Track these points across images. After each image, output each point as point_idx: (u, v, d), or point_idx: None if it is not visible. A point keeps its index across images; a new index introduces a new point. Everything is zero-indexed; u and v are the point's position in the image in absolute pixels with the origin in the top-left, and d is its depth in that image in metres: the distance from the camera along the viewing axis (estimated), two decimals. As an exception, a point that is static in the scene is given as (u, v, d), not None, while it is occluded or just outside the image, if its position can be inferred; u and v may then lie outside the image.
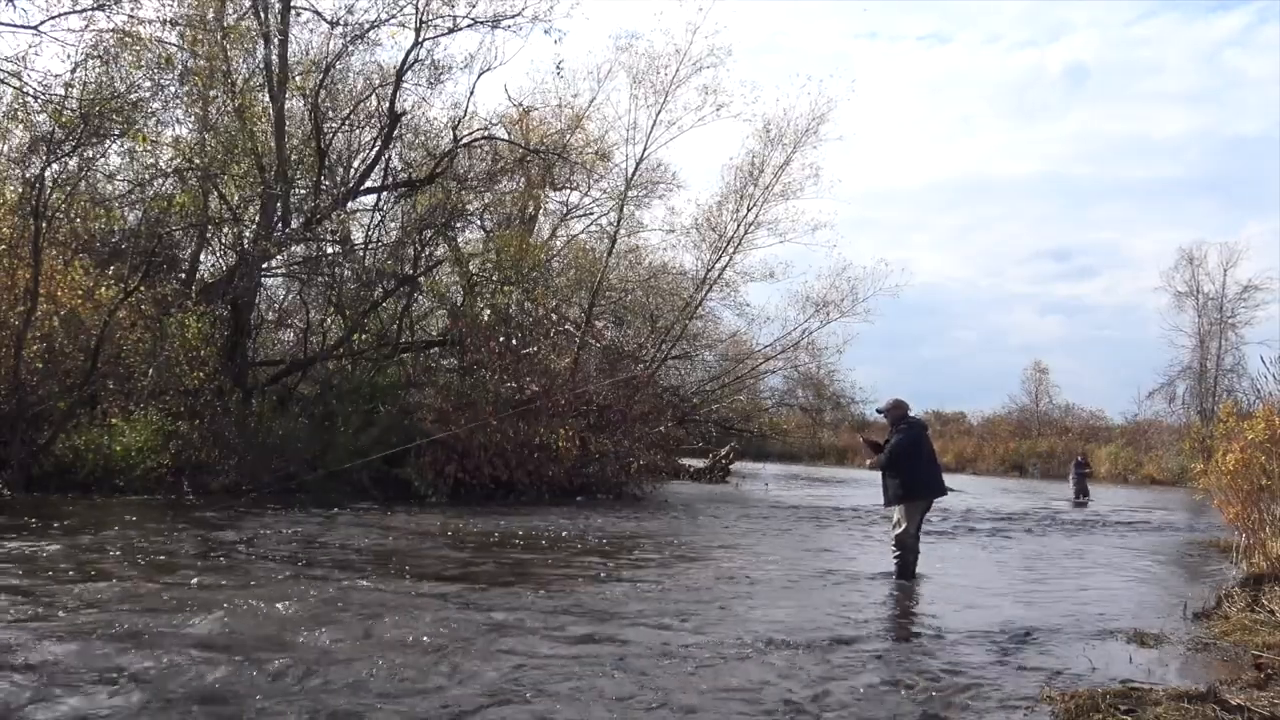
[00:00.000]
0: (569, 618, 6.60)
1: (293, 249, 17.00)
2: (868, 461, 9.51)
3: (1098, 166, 79.42)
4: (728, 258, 23.51)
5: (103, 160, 15.52)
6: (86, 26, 12.94)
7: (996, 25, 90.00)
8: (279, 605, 6.39)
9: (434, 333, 20.09)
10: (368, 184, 18.20)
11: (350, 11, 16.89)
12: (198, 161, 15.31)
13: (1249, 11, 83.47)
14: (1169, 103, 77.70)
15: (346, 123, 18.02)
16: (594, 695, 4.76)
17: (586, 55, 47.52)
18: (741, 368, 26.82)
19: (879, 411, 9.53)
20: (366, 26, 17.02)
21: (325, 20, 17.01)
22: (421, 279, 18.40)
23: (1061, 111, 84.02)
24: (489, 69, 18.84)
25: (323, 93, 17.09)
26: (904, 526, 8.91)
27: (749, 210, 23.09)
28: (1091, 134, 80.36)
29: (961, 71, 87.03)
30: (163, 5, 13.66)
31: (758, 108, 33.25)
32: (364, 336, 17.79)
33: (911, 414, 9.33)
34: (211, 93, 16.16)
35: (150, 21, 13.27)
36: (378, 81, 18.10)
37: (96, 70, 13.58)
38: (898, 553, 8.99)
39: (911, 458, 8.90)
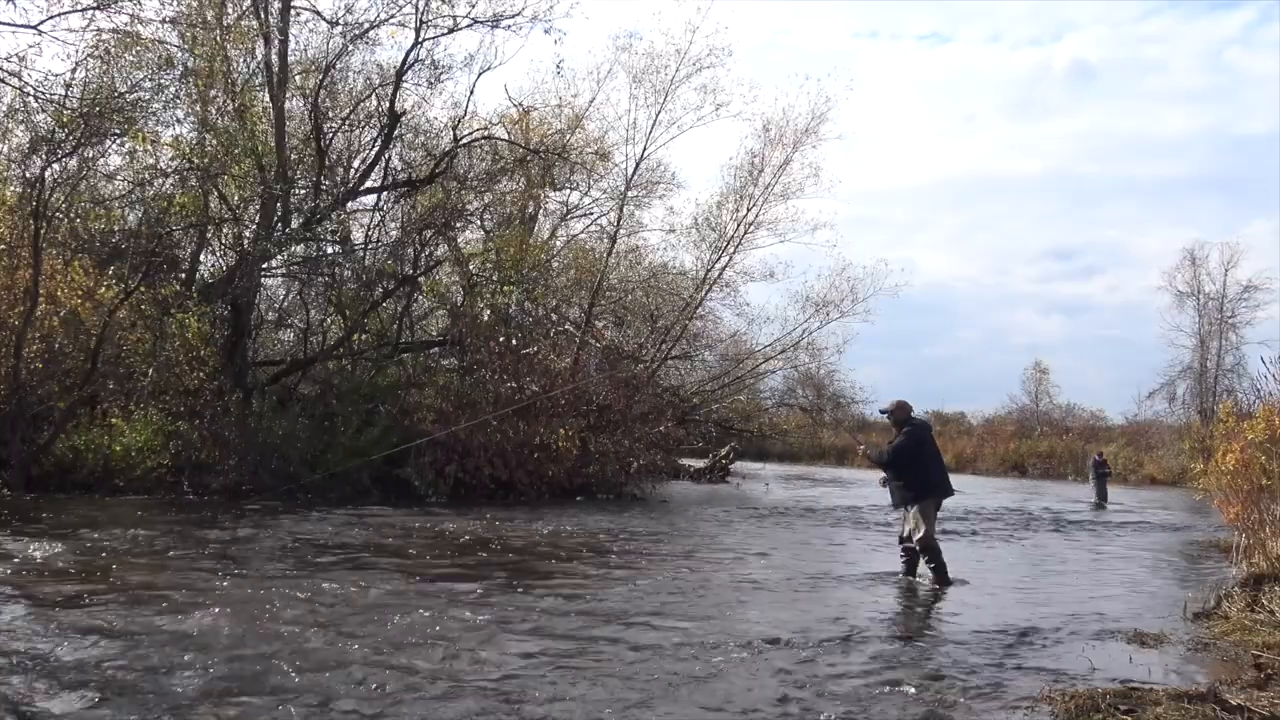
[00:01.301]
0: (568, 618, 6.60)
1: (293, 249, 17.00)
2: (860, 448, 9.48)
3: (1102, 165, 79.40)
4: (728, 258, 23.48)
5: (103, 160, 15.56)
6: (87, 26, 12.96)
7: (997, 24, 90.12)
8: (279, 605, 6.40)
9: (434, 333, 20.09)
10: (368, 184, 18.21)
11: (350, 11, 16.94)
12: (197, 161, 15.31)
13: (1251, 10, 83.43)
14: (1174, 101, 77.71)
15: (346, 123, 18.02)
16: (592, 696, 4.76)
17: (586, 55, 47.56)
18: (741, 368, 26.78)
19: (882, 412, 9.45)
20: (366, 26, 17.05)
21: (325, 20, 17.07)
22: (421, 279, 18.40)
23: (1065, 110, 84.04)
24: (489, 69, 18.88)
25: (323, 93, 17.10)
26: (924, 530, 8.79)
27: (749, 210, 23.06)
28: (1096, 132, 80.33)
29: (964, 70, 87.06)
30: (163, 5, 13.68)
31: (757, 107, 33.20)
32: (364, 336, 17.80)
33: (915, 414, 9.29)
34: (211, 93, 16.17)
35: (150, 21, 13.29)
36: (378, 81, 18.12)
37: (97, 70, 13.59)
38: (928, 558, 8.83)
39: (916, 459, 8.83)
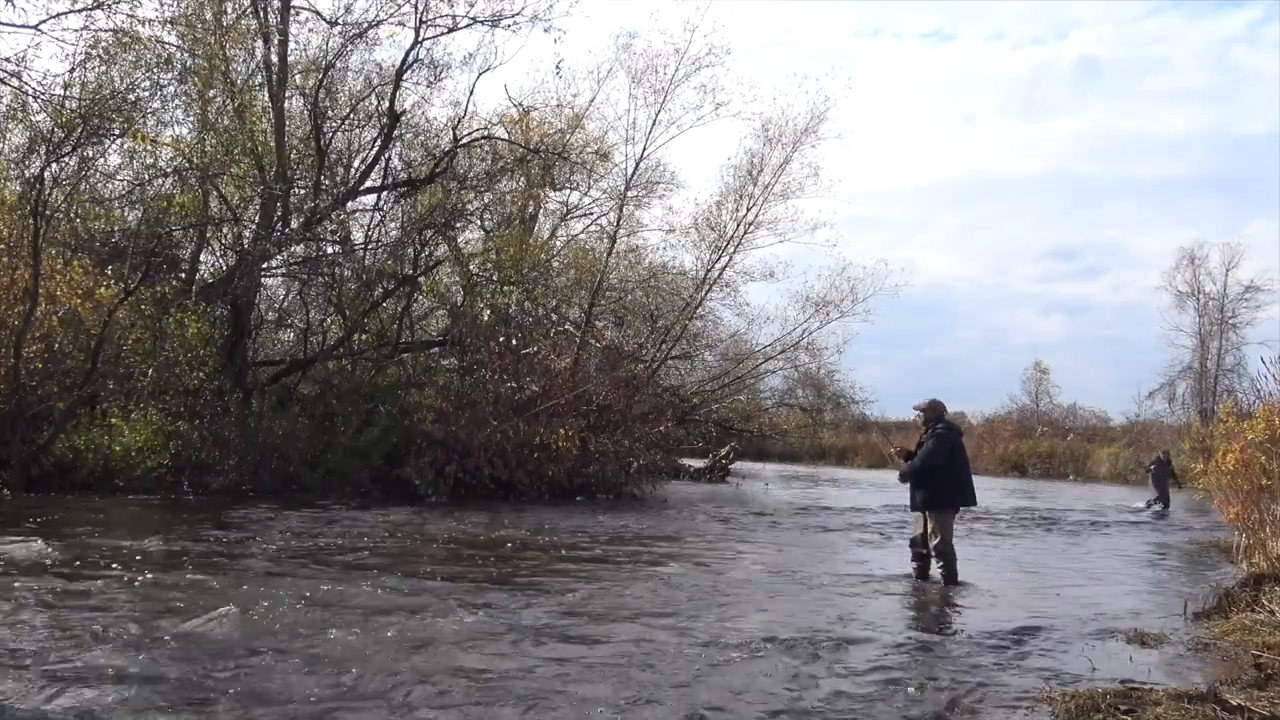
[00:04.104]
0: (569, 618, 6.60)
1: (293, 249, 17.00)
2: (897, 459, 9.08)
3: (1103, 165, 79.03)
4: (727, 257, 23.45)
5: (102, 160, 15.55)
6: (85, 26, 12.95)
7: (1000, 23, 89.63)
8: (279, 605, 6.39)
9: (434, 333, 20.09)
10: (368, 184, 18.21)
11: (349, 11, 16.94)
12: (197, 161, 15.31)
13: (1257, 8, 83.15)
14: (1176, 100, 77.42)
15: (346, 122, 18.02)
16: (592, 695, 4.75)
17: (587, 55, 47.51)
18: (741, 368, 26.75)
19: (916, 409, 9.27)
20: (366, 25, 17.05)
21: (324, 20, 17.05)
22: (421, 279, 18.40)
23: (1067, 109, 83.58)
24: (489, 68, 18.83)
25: (322, 92, 17.10)
26: (940, 537, 8.72)
27: (748, 210, 23.03)
28: (1097, 132, 79.98)
29: (965, 69, 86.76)
30: (162, 4, 13.66)
31: (757, 106, 33.02)
32: (364, 336, 17.80)
33: (946, 416, 9.13)
34: (211, 92, 16.17)
35: (149, 21, 13.27)
36: (377, 81, 18.12)
37: (96, 70, 13.59)
38: (941, 563, 8.76)
39: (946, 465, 8.71)
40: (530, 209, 22.08)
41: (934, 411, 9.00)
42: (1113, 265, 77.99)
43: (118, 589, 6.72)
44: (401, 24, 17.09)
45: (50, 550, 8.10)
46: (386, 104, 17.58)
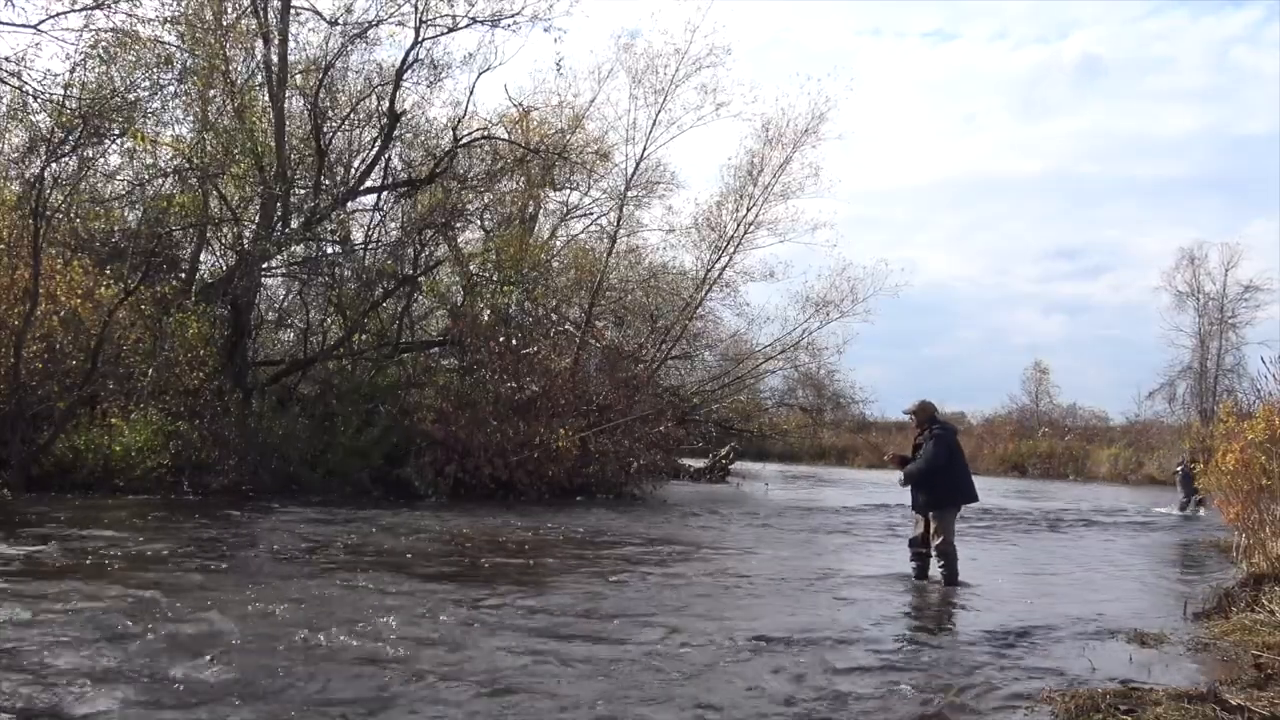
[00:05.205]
0: (568, 617, 6.60)
1: (293, 249, 16.99)
2: (901, 478, 8.96)
3: (1102, 165, 79.26)
4: (727, 258, 23.44)
5: (102, 160, 15.55)
6: (85, 26, 12.94)
7: (1001, 22, 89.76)
8: (280, 605, 6.39)
9: (434, 333, 20.09)
10: (368, 184, 18.21)
11: (349, 11, 16.92)
12: (197, 161, 15.31)
13: (1258, 8, 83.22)
14: (1176, 100, 77.52)
15: (346, 122, 18.02)
16: (592, 695, 4.75)
17: (588, 55, 47.48)
18: (741, 368, 26.74)
19: (906, 413, 9.26)
20: (366, 25, 17.05)
21: (325, 19, 17.04)
22: (421, 279, 18.40)
23: (1067, 109, 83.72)
24: (489, 68, 18.81)
25: (322, 92, 17.10)
26: (943, 537, 8.68)
27: (749, 210, 23.01)
28: (1097, 132, 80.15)
29: (966, 69, 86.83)
30: (162, 4, 13.65)
31: (758, 107, 33.08)
32: (364, 336, 17.80)
33: (939, 415, 9.12)
34: (211, 92, 16.16)
35: (149, 20, 13.27)
36: (377, 81, 18.11)
37: (96, 70, 13.58)
38: (943, 563, 8.71)
39: (946, 465, 8.68)
40: (530, 209, 22.08)
41: (925, 413, 8.99)
42: (1113, 265, 78.20)
43: (117, 589, 6.71)
44: (401, 24, 17.12)
45: (50, 551, 8.10)
46: (386, 104, 17.58)
